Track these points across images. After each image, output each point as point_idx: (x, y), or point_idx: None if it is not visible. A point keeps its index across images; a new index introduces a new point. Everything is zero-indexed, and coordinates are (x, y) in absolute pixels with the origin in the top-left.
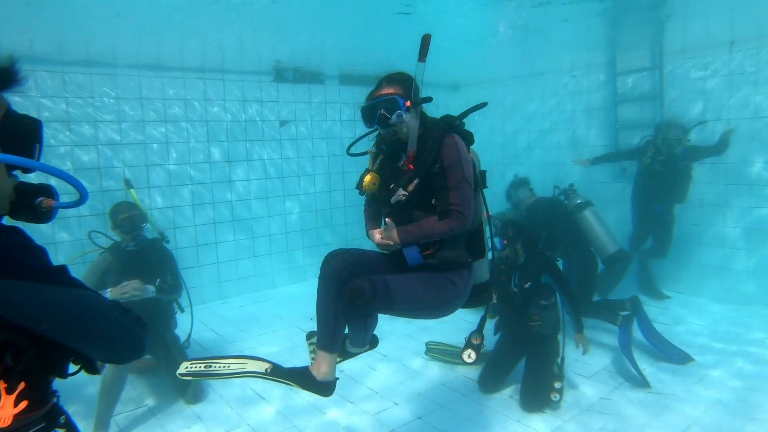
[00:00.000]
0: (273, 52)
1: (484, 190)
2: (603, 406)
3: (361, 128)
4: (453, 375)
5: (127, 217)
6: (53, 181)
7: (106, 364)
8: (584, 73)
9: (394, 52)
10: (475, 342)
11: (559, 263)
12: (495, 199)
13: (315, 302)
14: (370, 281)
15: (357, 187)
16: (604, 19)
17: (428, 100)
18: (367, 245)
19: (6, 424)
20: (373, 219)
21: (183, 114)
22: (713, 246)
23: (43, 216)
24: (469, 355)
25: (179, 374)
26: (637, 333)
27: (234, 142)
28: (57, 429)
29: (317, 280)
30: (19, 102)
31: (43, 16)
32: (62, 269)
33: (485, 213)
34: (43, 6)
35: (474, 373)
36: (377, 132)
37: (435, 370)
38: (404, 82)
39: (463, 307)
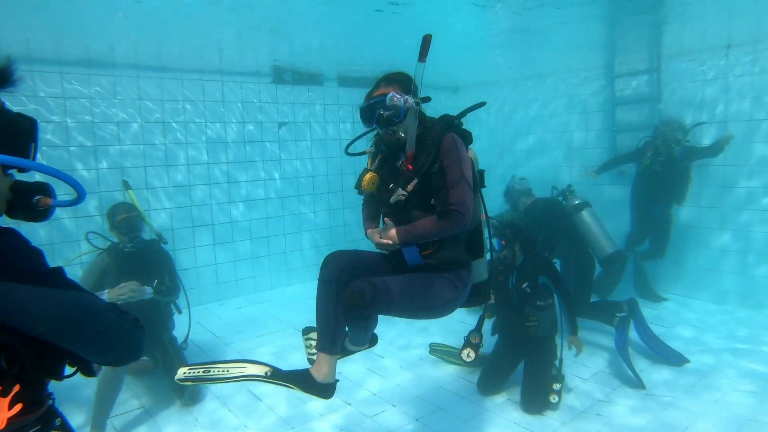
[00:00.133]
0: (272, 54)
1: (483, 190)
2: (600, 408)
3: (359, 129)
4: (452, 377)
5: (125, 219)
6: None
7: (103, 366)
8: (583, 76)
9: (394, 53)
10: (474, 341)
11: (557, 264)
12: (494, 201)
13: (313, 304)
14: (370, 283)
15: (356, 187)
16: (603, 22)
17: (427, 99)
18: (366, 246)
19: (0, 428)
20: (371, 219)
21: (182, 115)
22: (710, 248)
23: (41, 215)
24: (468, 354)
25: (177, 380)
26: (633, 335)
27: (232, 144)
28: (52, 431)
29: (316, 281)
30: (18, 102)
31: (42, 16)
32: (58, 271)
33: (484, 214)
34: (41, 6)
35: (472, 375)
36: (375, 132)
37: (433, 373)
38: (403, 81)
39: (462, 306)
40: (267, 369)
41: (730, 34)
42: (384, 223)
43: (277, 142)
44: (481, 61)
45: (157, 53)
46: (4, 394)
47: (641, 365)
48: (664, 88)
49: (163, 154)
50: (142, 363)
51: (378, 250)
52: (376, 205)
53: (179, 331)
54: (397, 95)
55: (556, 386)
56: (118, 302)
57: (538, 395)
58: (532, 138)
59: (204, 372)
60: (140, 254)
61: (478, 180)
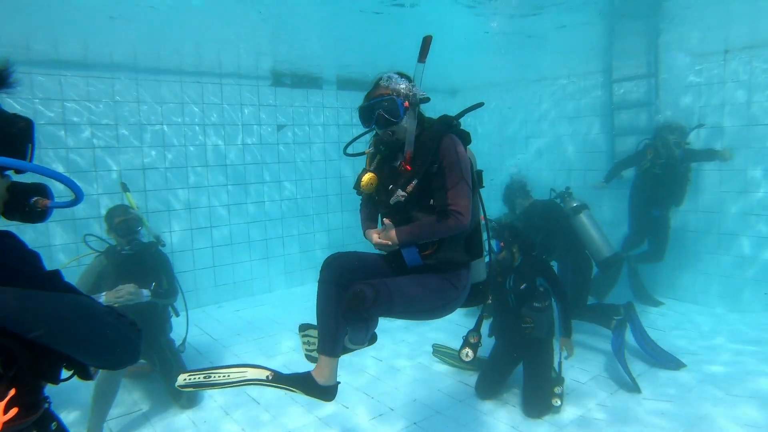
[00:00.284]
0: (271, 57)
1: (481, 190)
2: (598, 412)
3: (358, 132)
4: (449, 381)
5: (123, 221)
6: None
7: (100, 369)
8: (581, 80)
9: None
10: (472, 341)
11: (554, 266)
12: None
13: (311, 306)
14: (371, 286)
15: (355, 188)
16: (601, 26)
17: (426, 100)
18: (365, 247)
19: None
20: (370, 219)
21: (180, 117)
22: (708, 252)
23: (38, 216)
24: (467, 354)
25: (178, 386)
26: (630, 338)
27: (231, 146)
28: None
29: (315, 284)
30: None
31: (41, 18)
32: (55, 274)
33: (482, 216)
34: (40, 7)
35: (470, 379)
36: (374, 132)
37: (432, 376)
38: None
39: (461, 306)
40: (268, 373)
41: (728, 39)
42: (383, 223)
43: (276, 145)
44: (480, 64)
45: (155, 56)
46: (0, 398)
47: (639, 369)
48: (662, 93)
49: (161, 156)
50: (139, 366)
51: (377, 251)
52: (375, 206)
53: (177, 334)
54: (401, 83)
55: (558, 390)
56: (116, 305)
57: (539, 399)
58: (530, 141)
59: (205, 377)
60: (138, 257)
61: (477, 180)
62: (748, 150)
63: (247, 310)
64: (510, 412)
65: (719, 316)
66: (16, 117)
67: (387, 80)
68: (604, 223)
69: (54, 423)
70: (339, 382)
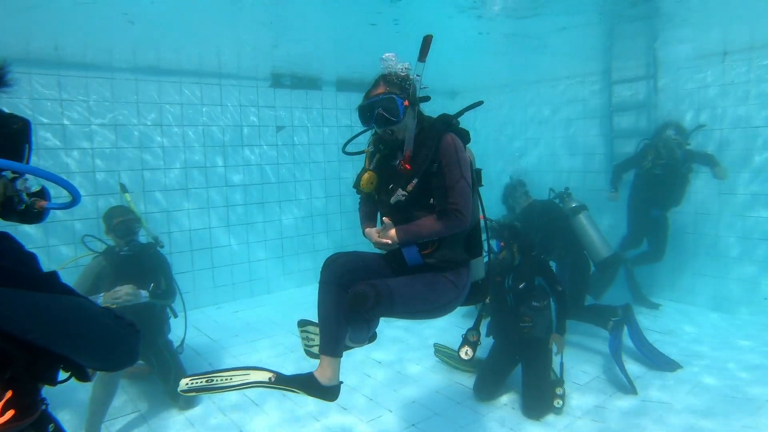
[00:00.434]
0: (270, 58)
1: (479, 189)
2: (597, 414)
3: (358, 139)
4: (448, 383)
5: (122, 222)
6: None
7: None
8: (580, 82)
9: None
10: (471, 339)
11: (552, 266)
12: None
13: (310, 308)
14: (373, 287)
15: (354, 186)
16: (600, 28)
17: (426, 99)
18: (364, 248)
19: None
20: (369, 218)
21: (179, 118)
22: (706, 254)
23: (35, 217)
24: (466, 352)
25: (181, 391)
26: (627, 340)
27: (230, 147)
28: None
29: (315, 284)
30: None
31: (40, 18)
32: (53, 275)
33: (481, 216)
34: (40, 8)
35: (469, 381)
36: (373, 131)
37: (430, 378)
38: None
39: (461, 305)
40: (270, 375)
41: (727, 41)
42: (382, 222)
43: (275, 146)
44: (479, 66)
45: (155, 56)
46: None
47: (637, 371)
48: (661, 95)
49: (160, 157)
50: (137, 367)
51: (377, 250)
52: (374, 205)
53: (175, 335)
54: (401, 81)
55: (559, 390)
56: (114, 306)
57: (539, 400)
58: (529, 142)
59: (207, 381)
60: (136, 258)
61: (476, 179)
62: (746, 151)
63: (245, 312)
64: (509, 414)
65: (717, 318)
66: (13, 117)
67: (386, 79)
68: (602, 224)
69: (51, 425)
70: (342, 382)
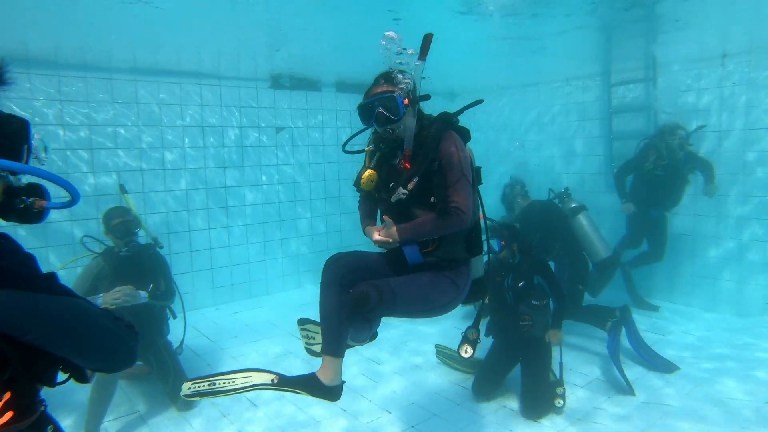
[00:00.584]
0: (270, 59)
1: (479, 188)
2: (596, 416)
3: (357, 138)
4: (447, 384)
5: (121, 222)
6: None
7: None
8: (579, 84)
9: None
10: (471, 337)
11: (551, 266)
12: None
13: (309, 309)
14: (375, 287)
15: (355, 185)
16: (599, 31)
17: (426, 98)
18: (363, 246)
19: None
20: (369, 216)
21: (179, 119)
22: (705, 256)
23: (35, 217)
24: (466, 350)
25: (183, 396)
26: (625, 341)
27: (230, 148)
28: None
29: (314, 286)
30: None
31: (39, 18)
32: (51, 277)
33: (481, 215)
34: (40, 8)
35: (468, 382)
36: (373, 129)
37: (429, 379)
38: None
39: (461, 303)
40: (273, 376)
41: (726, 43)
42: (382, 221)
43: (275, 147)
44: (478, 67)
45: (154, 57)
46: None
47: (637, 372)
48: (660, 97)
49: (160, 158)
50: (136, 368)
51: (377, 249)
52: (374, 203)
53: (174, 336)
54: (401, 80)
55: (560, 390)
56: (113, 306)
57: (538, 400)
58: (529, 144)
59: (209, 385)
60: (136, 258)
61: (476, 177)
62: (745, 153)
63: (244, 313)
64: (508, 415)
65: (715, 320)
66: (11, 117)
67: (387, 78)
68: (602, 225)
69: (50, 426)
70: (344, 382)
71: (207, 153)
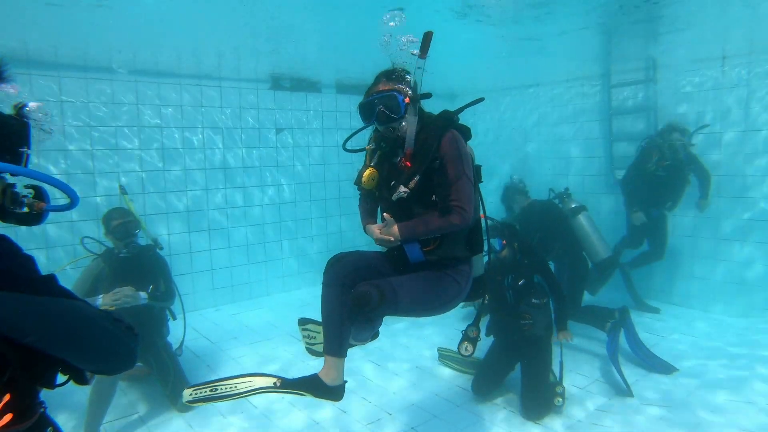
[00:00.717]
0: (270, 60)
1: (479, 185)
2: (595, 417)
3: (358, 136)
4: (447, 385)
5: (121, 224)
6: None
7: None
8: (579, 85)
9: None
10: (471, 335)
11: (551, 266)
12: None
13: (309, 310)
14: (377, 287)
15: (356, 183)
16: (599, 32)
17: (427, 96)
18: (363, 247)
19: None
20: (369, 215)
21: (179, 120)
22: (705, 257)
23: (34, 219)
24: (466, 348)
25: (186, 402)
26: (624, 343)
27: (230, 149)
28: None
29: (314, 287)
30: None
31: (39, 18)
32: (50, 278)
33: (482, 214)
34: (39, 8)
35: (468, 383)
36: (373, 128)
37: (429, 380)
38: (403, 78)
39: (463, 300)
40: (275, 380)
41: (725, 45)
42: (383, 219)
43: (275, 148)
44: (478, 69)
45: (154, 59)
46: None
47: (636, 374)
48: (660, 98)
49: (160, 159)
50: (136, 369)
51: (378, 248)
52: (374, 202)
53: (174, 337)
54: (402, 79)
55: (559, 389)
56: (113, 308)
57: (538, 400)
58: (528, 145)
59: (211, 391)
60: (135, 259)
61: (476, 175)
62: (745, 154)
63: (244, 314)
64: (508, 416)
65: (714, 321)
66: (11, 118)
67: (388, 76)
68: (602, 226)
69: (50, 428)
70: (346, 381)
71: (207, 154)
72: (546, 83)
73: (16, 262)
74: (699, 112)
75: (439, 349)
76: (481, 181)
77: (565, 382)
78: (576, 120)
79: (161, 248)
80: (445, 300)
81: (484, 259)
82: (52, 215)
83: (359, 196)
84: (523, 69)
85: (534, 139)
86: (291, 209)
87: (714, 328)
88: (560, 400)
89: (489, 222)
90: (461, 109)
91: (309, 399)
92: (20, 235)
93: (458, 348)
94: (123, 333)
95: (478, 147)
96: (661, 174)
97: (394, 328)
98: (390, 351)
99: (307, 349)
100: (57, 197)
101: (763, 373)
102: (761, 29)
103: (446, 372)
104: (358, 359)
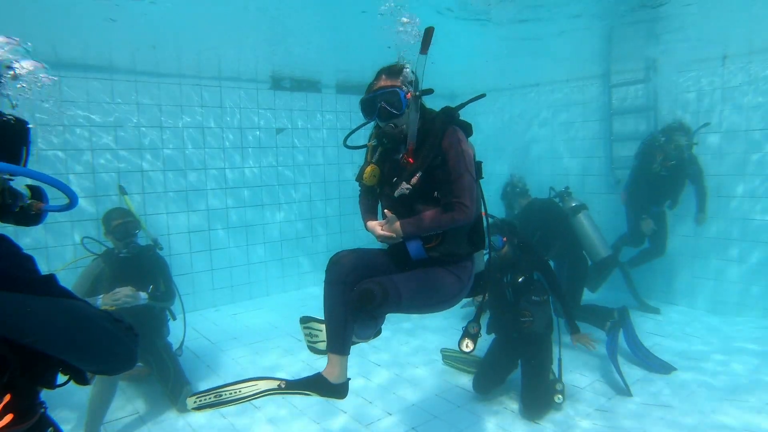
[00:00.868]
0: (270, 60)
1: (480, 182)
2: (594, 417)
3: (358, 134)
4: (447, 386)
5: (121, 224)
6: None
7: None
8: (579, 85)
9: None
10: (472, 331)
11: (551, 264)
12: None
13: (310, 310)
14: (379, 285)
15: (357, 179)
16: (599, 32)
17: (429, 92)
18: (363, 246)
19: None
20: (370, 211)
21: (179, 120)
22: (704, 257)
23: (33, 219)
24: (467, 345)
25: (191, 409)
26: (623, 343)
27: (230, 149)
28: None
29: (314, 287)
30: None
31: (39, 18)
32: (50, 278)
33: (483, 212)
34: (39, 9)
35: (469, 383)
36: (374, 124)
37: (430, 381)
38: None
39: (465, 296)
40: (279, 382)
41: (726, 45)
42: (384, 215)
43: (275, 148)
44: (478, 69)
45: (154, 59)
46: None
47: (636, 374)
48: (660, 98)
49: (159, 160)
50: (136, 369)
51: (380, 245)
52: (375, 198)
53: (174, 338)
54: (403, 75)
55: (559, 386)
56: (113, 308)
57: (538, 399)
58: (528, 144)
59: (216, 397)
60: (135, 260)
61: (478, 172)
62: (745, 154)
63: (244, 314)
64: (508, 416)
65: (714, 321)
66: (11, 117)
67: (389, 72)
68: (602, 225)
69: (50, 428)
70: (350, 379)
71: (206, 154)
72: (546, 83)
73: (16, 263)
74: (699, 112)
75: (442, 350)
76: (482, 177)
77: (565, 381)
78: (576, 120)
79: (161, 248)
80: (447, 296)
81: (485, 257)
82: (51, 215)
83: (359, 193)
84: (524, 69)
85: (534, 138)
86: (291, 208)
87: (714, 328)
88: (560, 397)
89: (489, 219)
90: (462, 105)
91: (310, 399)
92: (20, 235)
93: (459, 344)
94: (123, 333)
95: (479, 147)
96: (663, 174)
97: (393, 328)
98: (390, 352)
99: (309, 347)
100: (56, 197)
101: (764, 372)
102: (762, 30)
103: (447, 372)
104: (359, 360)
